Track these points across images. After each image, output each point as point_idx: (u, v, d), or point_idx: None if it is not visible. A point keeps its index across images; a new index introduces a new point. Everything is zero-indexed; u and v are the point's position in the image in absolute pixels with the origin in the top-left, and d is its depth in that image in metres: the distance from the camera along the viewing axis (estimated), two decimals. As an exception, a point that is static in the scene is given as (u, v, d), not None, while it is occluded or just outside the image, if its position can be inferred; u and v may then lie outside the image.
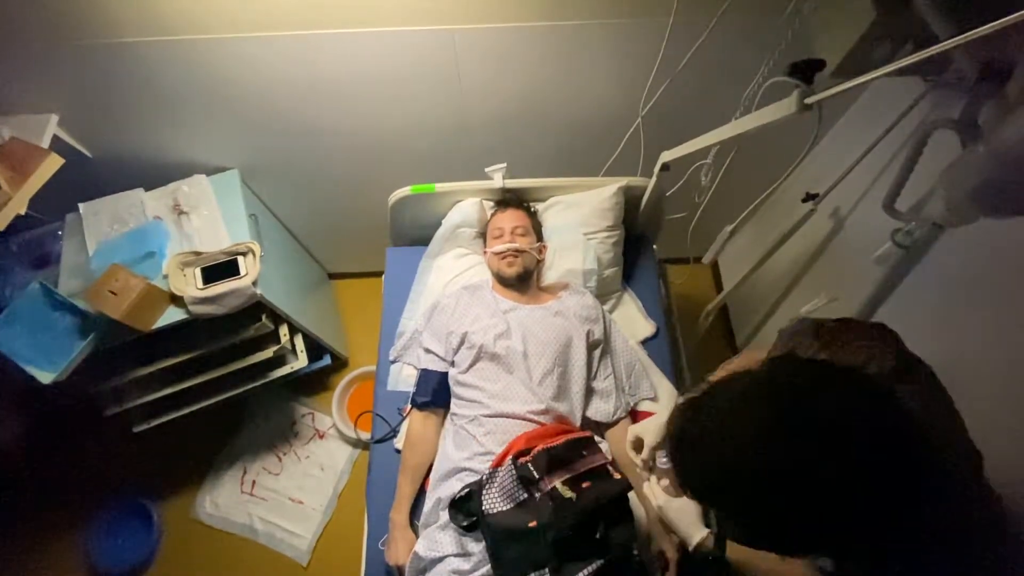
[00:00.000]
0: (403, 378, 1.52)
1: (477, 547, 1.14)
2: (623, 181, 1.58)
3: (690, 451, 0.65)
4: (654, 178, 1.50)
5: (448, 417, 1.40)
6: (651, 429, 1.12)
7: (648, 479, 1.10)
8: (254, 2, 1.23)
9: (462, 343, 1.38)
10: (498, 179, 1.57)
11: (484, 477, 1.16)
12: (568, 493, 1.08)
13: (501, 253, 1.48)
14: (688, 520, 0.99)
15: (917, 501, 0.57)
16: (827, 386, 0.61)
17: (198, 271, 1.50)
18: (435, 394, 1.39)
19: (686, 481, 0.67)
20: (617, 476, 1.16)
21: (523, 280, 1.48)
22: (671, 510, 1.02)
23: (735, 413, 0.62)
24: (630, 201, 1.62)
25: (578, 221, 1.58)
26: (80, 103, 1.45)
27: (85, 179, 1.55)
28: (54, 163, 1.37)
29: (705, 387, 0.68)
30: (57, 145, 1.43)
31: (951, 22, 0.78)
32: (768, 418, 0.59)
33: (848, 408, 0.59)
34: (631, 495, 1.17)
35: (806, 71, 0.93)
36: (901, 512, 0.58)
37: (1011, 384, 1.01)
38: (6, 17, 1.21)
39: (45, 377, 1.41)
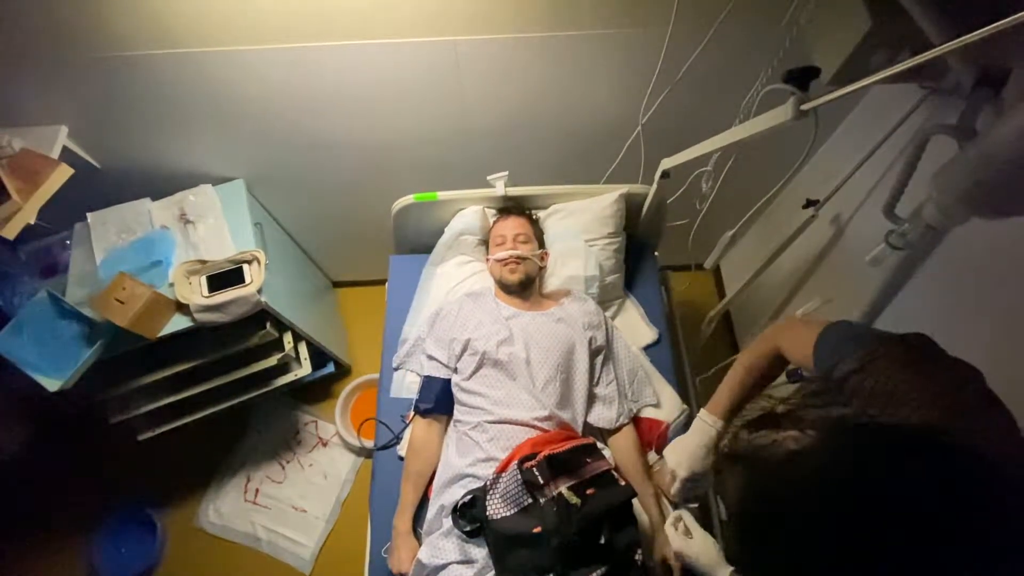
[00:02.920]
0: (406, 385, 1.53)
1: (480, 554, 1.14)
2: (624, 188, 1.60)
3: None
4: (654, 185, 1.51)
5: (451, 424, 1.40)
6: (684, 460, 1.01)
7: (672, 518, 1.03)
8: (259, 15, 1.25)
9: (465, 350, 1.39)
10: (500, 187, 1.58)
11: (488, 482, 1.16)
12: (573, 499, 1.08)
13: (503, 260, 1.49)
14: (712, 559, 0.94)
15: None
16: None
17: (204, 279, 1.52)
18: (438, 401, 1.39)
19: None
20: (622, 483, 1.16)
21: (525, 287, 1.49)
22: (691, 550, 0.97)
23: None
24: (631, 208, 1.63)
25: (580, 228, 1.59)
26: (89, 115, 1.47)
27: (93, 189, 1.57)
28: (63, 174, 1.39)
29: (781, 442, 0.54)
30: (66, 156, 1.46)
31: (945, 29, 0.78)
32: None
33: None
34: (634, 501, 1.17)
35: (801, 78, 0.94)
36: None
37: (1001, 384, 1.01)
38: (18, 32, 1.24)
39: (52, 385, 1.42)
